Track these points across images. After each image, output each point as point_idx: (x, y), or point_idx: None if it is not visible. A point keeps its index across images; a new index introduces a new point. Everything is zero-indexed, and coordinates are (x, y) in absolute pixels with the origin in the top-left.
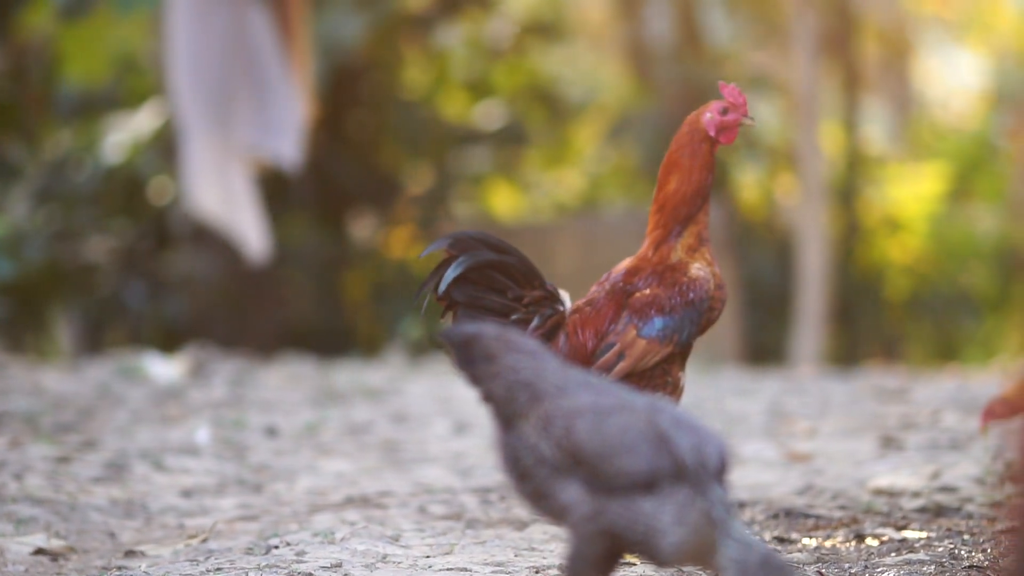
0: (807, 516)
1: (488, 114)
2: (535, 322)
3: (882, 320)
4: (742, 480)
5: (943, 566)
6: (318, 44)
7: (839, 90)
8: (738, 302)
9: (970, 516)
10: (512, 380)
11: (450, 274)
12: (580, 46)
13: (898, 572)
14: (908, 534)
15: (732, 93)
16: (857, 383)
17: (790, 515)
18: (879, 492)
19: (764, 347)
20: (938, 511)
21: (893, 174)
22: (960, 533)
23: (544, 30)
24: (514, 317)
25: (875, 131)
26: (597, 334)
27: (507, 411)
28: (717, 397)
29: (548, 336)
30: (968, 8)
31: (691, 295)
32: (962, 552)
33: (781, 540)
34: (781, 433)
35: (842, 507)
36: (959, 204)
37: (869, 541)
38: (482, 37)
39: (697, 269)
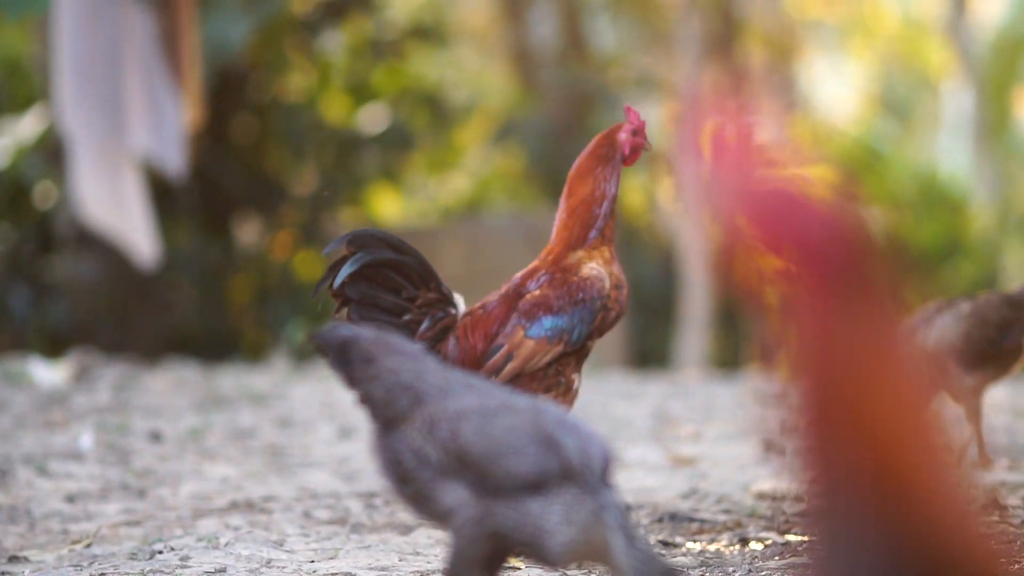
0: (691, 520)
1: (373, 118)
2: (425, 324)
3: (763, 322)
4: (627, 484)
5: None
6: (203, 48)
7: (723, 94)
8: None
9: None
10: (392, 382)
11: (345, 270)
12: (465, 50)
13: (782, 573)
14: (791, 538)
15: (635, 118)
16: (741, 387)
17: (675, 519)
18: (763, 496)
19: (649, 351)
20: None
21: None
22: None
23: (429, 34)
24: (405, 318)
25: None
26: (486, 336)
27: (387, 414)
28: (602, 401)
29: (437, 339)
30: (852, 13)
31: (580, 294)
32: None
33: (666, 544)
34: (666, 437)
35: (726, 511)
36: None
37: (753, 545)
38: (366, 41)
39: (590, 268)
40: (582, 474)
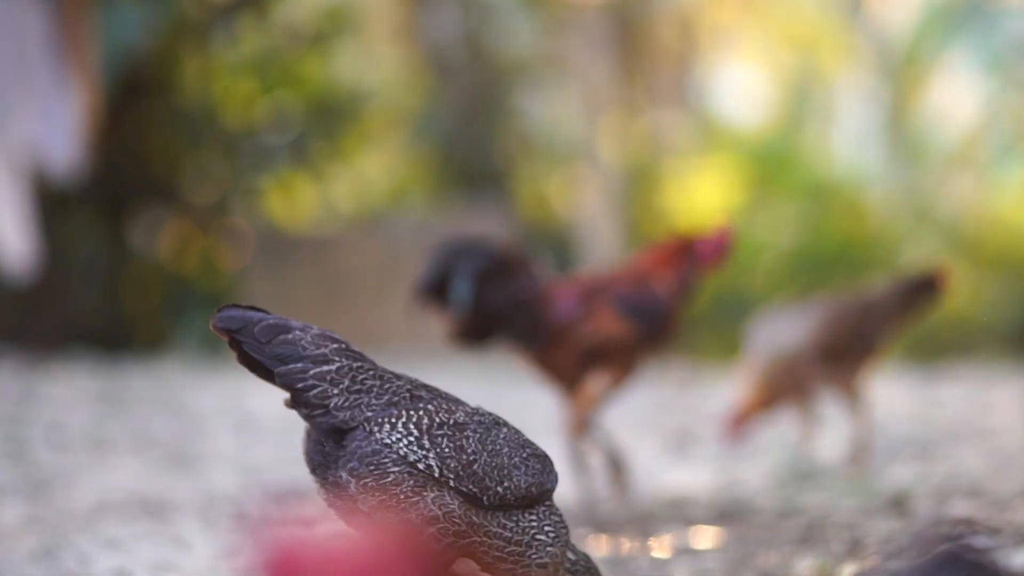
0: (597, 519)
1: (277, 118)
2: (523, 285)
3: None
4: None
5: (734, 568)
6: (102, 44)
7: (629, 91)
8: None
9: (760, 519)
10: (358, 380)
11: (461, 289)
12: (371, 48)
13: (688, 574)
14: (698, 537)
15: (721, 237)
16: (648, 386)
17: (580, 518)
18: (670, 496)
19: None
20: (728, 514)
21: (681, 176)
22: (751, 535)
23: (335, 34)
24: (511, 276)
25: (663, 133)
26: (579, 304)
27: (345, 416)
28: (504, 397)
29: (535, 299)
30: (752, 13)
31: (655, 299)
32: (753, 554)
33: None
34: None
35: (633, 510)
36: (749, 207)
37: (659, 544)
38: (272, 40)
39: (663, 288)
40: (553, 489)
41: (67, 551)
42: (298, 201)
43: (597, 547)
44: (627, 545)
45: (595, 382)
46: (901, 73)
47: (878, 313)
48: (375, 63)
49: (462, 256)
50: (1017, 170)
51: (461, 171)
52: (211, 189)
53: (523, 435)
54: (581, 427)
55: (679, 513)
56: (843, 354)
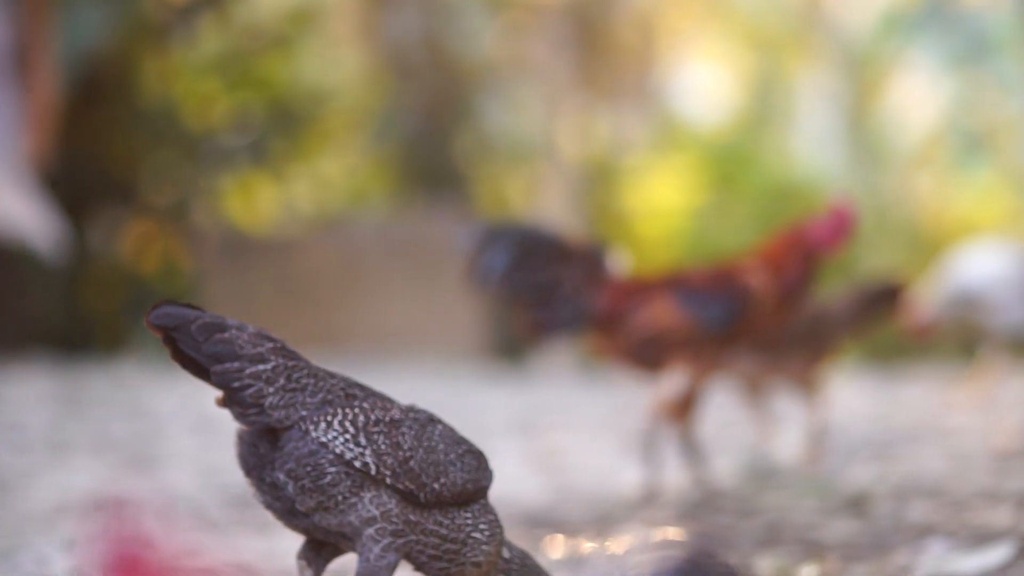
0: (554, 520)
1: (237, 119)
2: (574, 268)
3: None
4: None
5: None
6: (61, 45)
7: (588, 92)
8: (485, 303)
9: (720, 519)
10: (293, 378)
11: (494, 268)
12: (330, 49)
13: (648, 573)
14: (655, 540)
15: (843, 210)
16: (606, 386)
17: (537, 519)
18: (628, 495)
19: (511, 348)
20: (687, 514)
21: (639, 178)
22: (711, 535)
23: (297, 34)
24: (556, 258)
25: (622, 135)
26: (636, 295)
27: (280, 416)
28: (462, 397)
29: (586, 281)
30: (719, 16)
31: (729, 290)
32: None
33: (525, 543)
34: (528, 435)
35: (590, 511)
36: (708, 209)
37: (617, 544)
38: (232, 42)
39: (755, 281)
40: (488, 487)
41: (25, 552)
42: (259, 202)
43: (554, 547)
44: (585, 545)
45: (672, 376)
46: (861, 73)
47: (833, 322)
48: (336, 64)
49: (500, 234)
50: (977, 170)
51: (422, 172)
52: (171, 190)
53: (458, 432)
54: (662, 419)
55: (638, 513)
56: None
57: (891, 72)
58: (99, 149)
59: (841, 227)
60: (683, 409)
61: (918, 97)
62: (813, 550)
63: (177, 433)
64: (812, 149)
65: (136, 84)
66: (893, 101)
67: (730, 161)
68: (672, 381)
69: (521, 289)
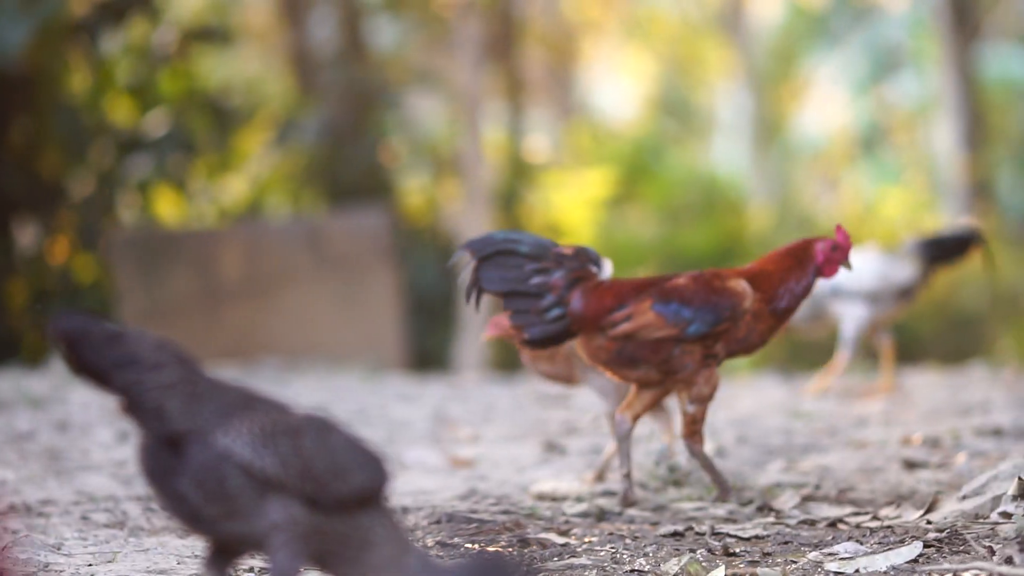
0: (470, 521)
1: (154, 121)
2: (558, 274)
3: None
4: (406, 486)
5: (605, 570)
6: None
7: (504, 96)
8: (402, 308)
9: (632, 520)
10: (195, 387)
11: (469, 273)
12: (246, 52)
13: None
14: (571, 539)
15: (844, 237)
16: (520, 389)
17: (453, 520)
18: (542, 497)
19: (428, 353)
20: (600, 516)
21: (557, 180)
22: (622, 537)
23: (211, 36)
24: (533, 281)
25: (539, 137)
26: (617, 297)
27: (182, 424)
28: (381, 403)
29: (568, 287)
30: (631, 15)
31: (714, 298)
32: (624, 556)
33: (444, 545)
34: (445, 439)
35: (505, 512)
36: (622, 208)
37: (532, 546)
38: (147, 43)
39: (739, 284)
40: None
41: None
42: (182, 202)
43: (469, 549)
44: (499, 546)
45: (683, 395)
46: (774, 77)
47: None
48: (256, 64)
49: (485, 242)
50: (881, 173)
51: (342, 174)
52: (97, 192)
53: (357, 437)
54: (690, 436)
55: (553, 515)
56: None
57: (802, 76)
58: (24, 153)
59: (835, 253)
60: (694, 424)
61: (828, 101)
62: (724, 550)
63: (96, 438)
64: (724, 151)
65: (62, 86)
66: (803, 105)
67: (643, 163)
68: (689, 398)
69: (507, 295)
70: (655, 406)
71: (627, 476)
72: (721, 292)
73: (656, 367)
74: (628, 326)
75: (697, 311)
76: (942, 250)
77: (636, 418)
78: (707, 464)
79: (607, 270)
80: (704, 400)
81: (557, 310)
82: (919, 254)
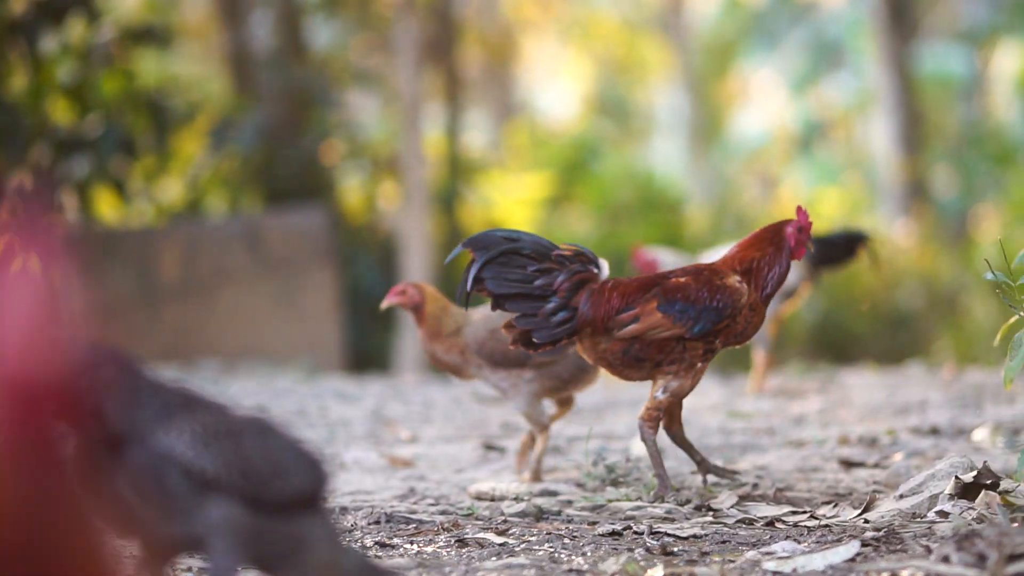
0: (409, 521)
1: (92, 120)
2: (562, 276)
3: None
4: (345, 486)
5: (543, 570)
6: None
7: (443, 96)
8: (341, 309)
9: (570, 520)
10: (133, 388)
11: (472, 272)
12: (186, 51)
13: None
14: (509, 538)
15: (804, 218)
16: (459, 389)
17: (392, 520)
18: (481, 497)
19: (368, 353)
20: (539, 515)
21: (496, 179)
22: (560, 537)
23: (150, 36)
24: (537, 283)
25: (478, 137)
26: (624, 297)
27: (125, 423)
28: (320, 404)
29: (573, 289)
30: (569, 16)
31: (718, 297)
32: (562, 555)
33: (383, 545)
34: (384, 439)
35: (444, 512)
36: (561, 208)
37: (471, 546)
38: (86, 43)
39: (736, 281)
40: (326, 491)
41: None
42: (121, 202)
43: (408, 549)
44: (438, 546)
45: (660, 382)
46: (711, 77)
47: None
48: (196, 64)
49: (487, 243)
50: (820, 171)
51: (281, 174)
52: (36, 187)
53: (296, 438)
54: (656, 424)
55: (491, 515)
56: (514, 358)
57: (739, 76)
58: None
59: (805, 234)
60: (670, 412)
61: (764, 99)
62: (662, 550)
63: None
64: (666, 148)
65: (1, 82)
66: (740, 104)
67: (578, 155)
68: (660, 389)
69: (512, 297)
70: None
71: (660, 476)
72: (722, 290)
73: (654, 366)
74: (636, 327)
75: (702, 311)
76: (829, 251)
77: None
78: (654, 453)
79: (605, 270)
80: (682, 394)
81: (564, 313)
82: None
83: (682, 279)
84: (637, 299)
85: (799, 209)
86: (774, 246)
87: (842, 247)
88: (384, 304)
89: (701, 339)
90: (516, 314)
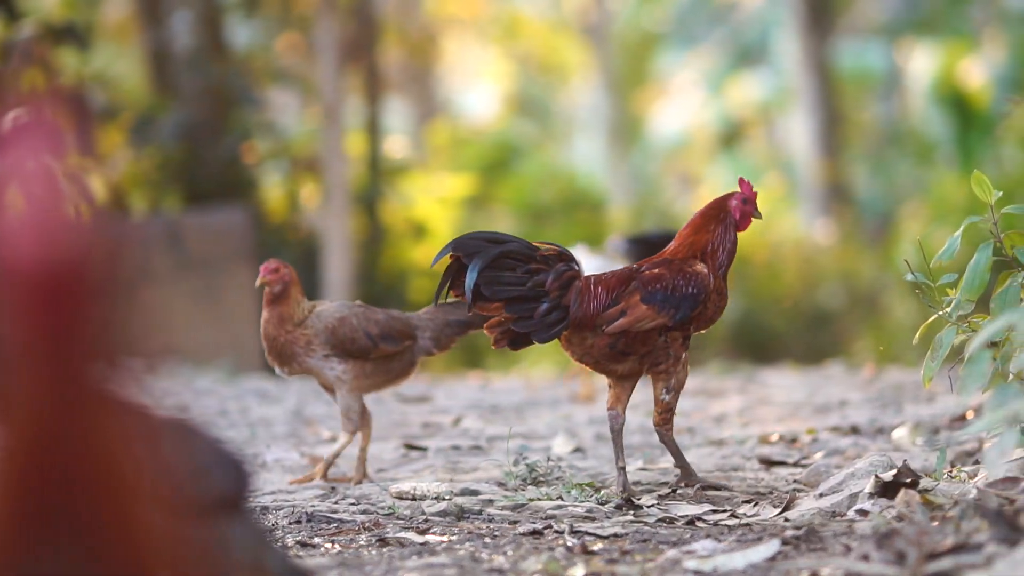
0: (330, 521)
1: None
2: (550, 276)
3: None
4: (266, 486)
5: (464, 569)
6: None
7: (363, 96)
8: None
9: (491, 519)
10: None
11: (471, 279)
12: (107, 49)
13: (420, 575)
14: (430, 537)
15: (747, 189)
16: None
17: (313, 520)
18: (402, 496)
19: None
20: (460, 514)
21: (417, 179)
22: (481, 536)
23: (68, 34)
24: (528, 284)
25: (400, 137)
26: (609, 293)
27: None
28: (241, 404)
29: (563, 287)
30: (491, 14)
31: (692, 284)
32: (483, 555)
33: (304, 545)
34: (305, 438)
35: (365, 512)
36: (483, 207)
37: (392, 545)
38: (6, 41)
39: (702, 267)
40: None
41: None
42: None
43: (329, 549)
44: (359, 546)
45: (659, 385)
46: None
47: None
48: (118, 62)
49: (474, 245)
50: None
51: (202, 173)
52: None
53: (220, 440)
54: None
55: (412, 514)
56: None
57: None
58: None
59: (751, 205)
60: (619, 398)
61: (683, 92)
62: (582, 549)
63: None
64: (587, 147)
65: None
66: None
67: (500, 155)
68: (666, 387)
69: (508, 301)
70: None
71: (623, 470)
72: (694, 277)
73: (641, 358)
74: (625, 320)
75: (681, 299)
76: (647, 250)
77: (624, 410)
78: (676, 450)
79: (584, 266)
80: (682, 385)
81: (556, 313)
82: (624, 253)
83: (656, 270)
84: (620, 293)
85: (742, 181)
86: (721, 224)
87: (660, 246)
88: (258, 282)
89: (680, 328)
90: (513, 316)
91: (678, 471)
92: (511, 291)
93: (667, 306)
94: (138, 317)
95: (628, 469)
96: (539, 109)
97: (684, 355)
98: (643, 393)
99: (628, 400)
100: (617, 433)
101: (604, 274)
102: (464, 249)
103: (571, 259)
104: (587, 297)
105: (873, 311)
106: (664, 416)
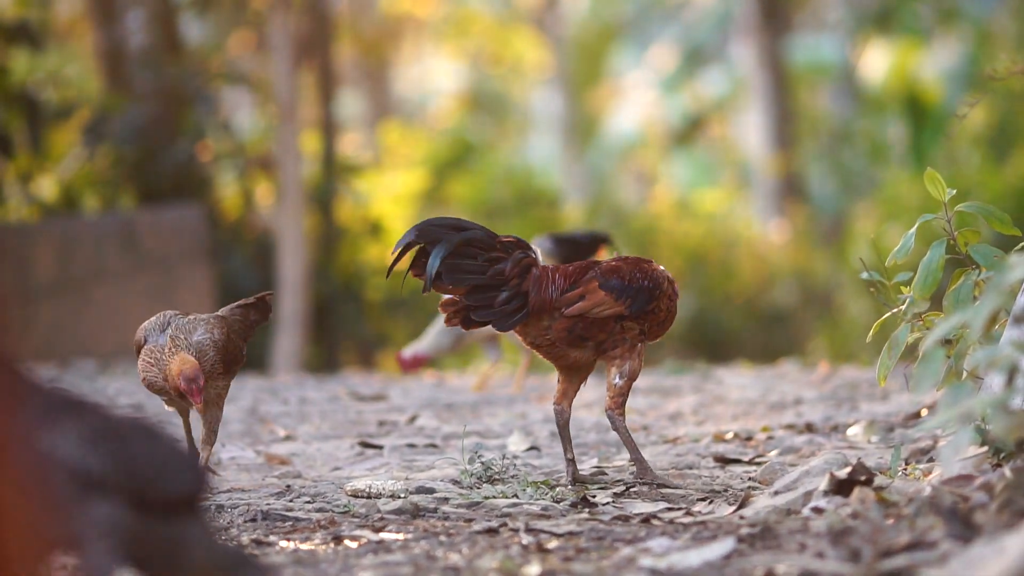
0: (285, 519)
1: None
2: (508, 265)
3: (362, 322)
4: (221, 484)
5: (419, 567)
6: None
7: (317, 94)
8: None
9: (447, 517)
10: (12, 388)
11: (434, 263)
12: (62, 48)
13: (375, 573)
14: (385, 535)
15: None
16: (336, 387)
17: (268, 518)
18: (357, 494)
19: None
20: (415, 512)
21: (372, 177)
22: (436, 534)
23: (22, 33)
24: (489, 272)
25: (354, 135)
26: (567, 278)
27: (5, 423)
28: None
29: (521, 275)
30: (444, 12)
31: (648, 279)
32: (438, 553)
33: (259, 543)
34: (260, 437)
35: (320, 510)
36: (438, 205)
37: (347, 543)
38: None
39: (661, 268)
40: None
41: None
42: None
43: (284, 547)
44: (314, 544)
45: (613, 370)
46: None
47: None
48: (72, 60)
49: (436, 231)
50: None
51: (156, 172)
52: None
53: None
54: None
55: (368, 512)
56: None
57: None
58: None
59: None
60: (566, 393)
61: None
62: (538, 547)
63: None
64: (542, 145)
65: None
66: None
67: (455, 152)
68: (620, 372)
69: (470, 289)
70: None
71: (571, 461)
72: (650, 273)
73: (596, 346)
74: (583, 304)
75: (637, 290)
76: (572, 249)
77: (570, 405)
78: (627, 438)
79: (540, 254)
80: (635, 374)
81: (516, 301)
82: (550, 252)
83: (614, 263)
84: (579, 279)
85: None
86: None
87: (586, 246)
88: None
89: (635, 319)
90: (474, 304)
91: (633, 467)
92: (471, 279)
93: (624, 295)
94: (92, 316)
95: (583, 468)
96: (494, 107)
97: (639, 346)
98: (597, 391)
99: (575, 396)
100: (563, 427)
101: (561, 265)
102: (427, 236)
103: (528, 247)
104: (545, 283)
105: (827, 309)
106: (616, 400)
